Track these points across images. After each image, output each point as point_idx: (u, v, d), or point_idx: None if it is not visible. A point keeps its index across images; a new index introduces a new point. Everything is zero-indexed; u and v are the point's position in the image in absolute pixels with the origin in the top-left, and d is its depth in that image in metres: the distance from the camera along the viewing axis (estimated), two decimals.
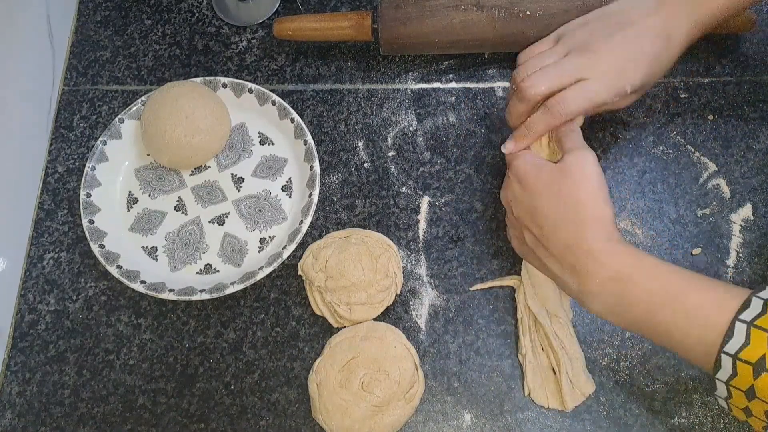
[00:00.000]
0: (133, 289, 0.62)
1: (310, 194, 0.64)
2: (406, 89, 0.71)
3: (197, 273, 0.64)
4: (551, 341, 0.58)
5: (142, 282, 0.61)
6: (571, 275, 0.52)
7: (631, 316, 0.49)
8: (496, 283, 0.62)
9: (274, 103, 0.67)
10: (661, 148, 0.67)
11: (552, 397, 0.58)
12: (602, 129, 0.68)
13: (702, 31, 0.57)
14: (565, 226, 0.52)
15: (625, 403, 0.59)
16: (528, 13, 0.65)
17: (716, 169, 0.66)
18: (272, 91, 0.69)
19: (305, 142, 0.66)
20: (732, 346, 0.43)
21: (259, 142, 0.69)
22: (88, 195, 0.65)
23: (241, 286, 0.61)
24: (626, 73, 0.55)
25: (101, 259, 0.62)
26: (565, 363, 0.57)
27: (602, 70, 0.55)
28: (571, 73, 0.55)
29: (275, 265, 0.61)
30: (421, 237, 0.65)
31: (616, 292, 0.49)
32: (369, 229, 0.64)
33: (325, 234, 0.64)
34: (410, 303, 0.62)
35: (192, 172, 0.68)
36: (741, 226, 0.64)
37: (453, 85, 0.71)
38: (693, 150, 0.67)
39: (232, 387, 0.61)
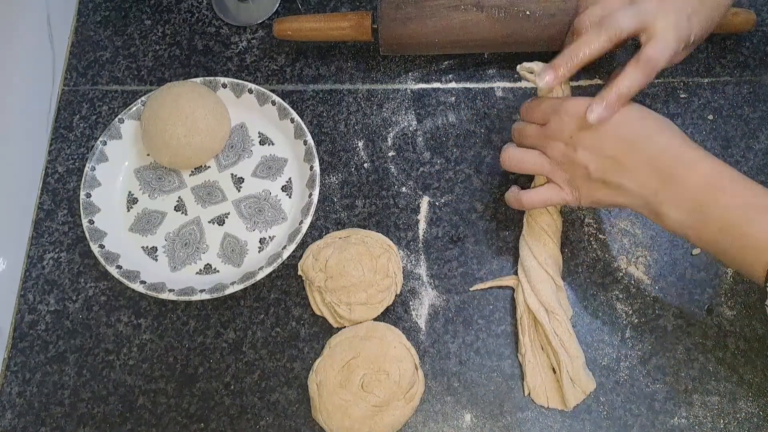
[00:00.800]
0: (133, 290, 0.62)
1: (310, 194, 0.64)
2: (405, 89, 0.71)
3: (197, 273, 0.64)
4: (550, 340, 0.58)
5: (142, 282, 0.61)
6: (652, 187, 0.51)
7: (712, 227, 0.49)
8: (496, 283, 0.62)
9: (274, 103, 0.68)
10: None
11: (552, 396, 0.58)
12: None
13: None
14: (649, 137, 0.52)
15: (625, 403, 0.59)
16: (528, 13, 0.65)
17: None
18: (272, 91, 0.69)
19: (305, 142, 0.66)
20: None
21: (259, 142, 0.69)
22: (88, 195, 0.65)
23: (241, 286, 0.61)
24: (689, 21, 0.54)
25: (101, 260, 0.62)
26: (564, 361, 0.57)
27: (668, 17, 0.53)
28: (630, 25, 0.54)
29: (275, 265, 0.61)
30: (420, 237, 0.65)
31: (702, 201, 0.49)
32: (369, 229, 0.65)
33: (325, 234, 0.64)
34: (410, 303, 0.63)
35: (192, 172, 0.68)
36: None
37: (453, 85, 0.71)
38: None
39: (232, 387, 0.61)
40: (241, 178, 0.67)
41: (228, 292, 0.60)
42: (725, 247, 0.49)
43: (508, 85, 0.71)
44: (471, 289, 0.62)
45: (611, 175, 0.53)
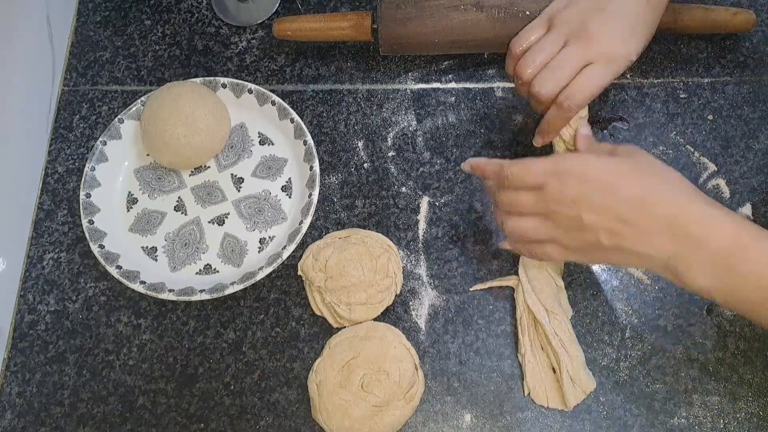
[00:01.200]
0: (133, 290, 0.61)
1: (310, 194, 0.64)
2: (405, 89, 0.71)
3: (197, 273, 0.64)
4: (550, 340, 0.58)
5: (142, 282, 0.61)
6: (672, 250, 0.47)
7: (744, 290, 0.45)
8: (496, 283, 0.62)
9: (273, 103, 0.68)
10: (661, 148, 0.67)
11: (552, 396, 0.58)
12: (602, 129, 0.68)
13: None
14: (662, 193, 0.47)
15: (625, 403, 0.59)
16: (528, 13, 0.65)
17: (716, 169, 0.66)
18: (272, 91, 0.69)
19: (305, 143, 0.66)
20: None
21: (259, 142, 0.69)
22: (88, 195, 0.65)
23: (240, 287, 0.61)
24: (627, 46, 0.55)
25: (101, 260, 0.62)
26: (564, 361, 0.57)
27: (603, 52, 0.55)
28: (575, 64, 0.55)
29: (275, 265, 0.61)
30: (420, 237, 0.65)
31: (729, 263, 0.45)
32: (369, 229, 0.65)
33: (325, 234, 0.64)
34: (410, 303, 0.63)
35: (192, 172, 0.68)
36: None
37: (453, 85, 0.71)
38: (692, 150, 0.67)
39: (232, 387, 0.61)
40: (241, 178, 0.67)
41: (228, 292, 0.60)
42: (758, 314, 0.46)
43: (508, 85, 0.71)
44: (471, 289, 0.62)
45: (625, 242, 0.48)
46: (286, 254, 0.62)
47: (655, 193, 0.48)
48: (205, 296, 0.60)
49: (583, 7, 0.56)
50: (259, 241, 0.65)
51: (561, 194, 0.49)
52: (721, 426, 0.58)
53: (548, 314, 0.58)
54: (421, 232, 0.65)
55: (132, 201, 0.67)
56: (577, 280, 0.63)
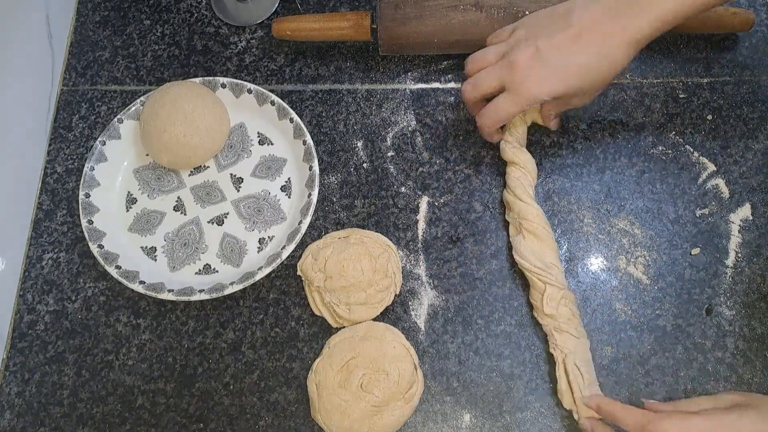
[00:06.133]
0: (132, 290, 0.61)
1: (309, 194, 0.64)
2: (405, 89, 0.71)
3: (196, 273, 0.64)
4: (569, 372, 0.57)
5: (141, 282, 0.61)
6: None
7: None
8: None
9: (273, 103, 0.67)
10: (660, 148, 0.67)
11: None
12: (601, 129, 0.68)
13: (658, 31, 0.54)
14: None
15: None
16: (527, 13, 0.65)
17: (715, 169, 0.66)
18: (271, 91, 0.69)
19: (304, 142, 0.66)
20: None
21: (258, 142, 0.69)
22: (87, 195, 0.65)
23: (240, 287, 0.61)
24: (539, 87, 0.56)
25: (100, 260, 0.62)
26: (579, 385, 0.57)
27: (513, 84, 0.57)
28: (493, 84, 0.58)
29: (274, 265, 0.61)
30: (420, 237, 0.65)
31: None
32: (368, 229, 0.64)
33: (325, 234, 0.64)
34: (409, 303, 0.62)
35: (191, 172, 0.68)
36: (740, 226, 0.64)
37: (452, 85, 0.71)
38: (692, 150, 0.67)
39: (232, 387, 0.61)
40: (241, 178, 0.67)
41: (227, 292, 0.60)
42: None
43: None
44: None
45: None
46: (285, 254, 0.62)
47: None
48: (204, 296, 0.60)
49: (531, 32, 0.57)
50: (259, 241, 0.65)
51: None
52: None
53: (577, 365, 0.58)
54: (420, 232, 0.65)
55: (131, 201, 0.67)
56: (577, 280, 0.63)
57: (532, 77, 0.56)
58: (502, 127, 0.65)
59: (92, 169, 0.66)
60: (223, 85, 0.68)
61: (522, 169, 0.63)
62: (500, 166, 0.66)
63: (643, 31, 0.53)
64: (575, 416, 0.57)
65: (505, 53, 0.58)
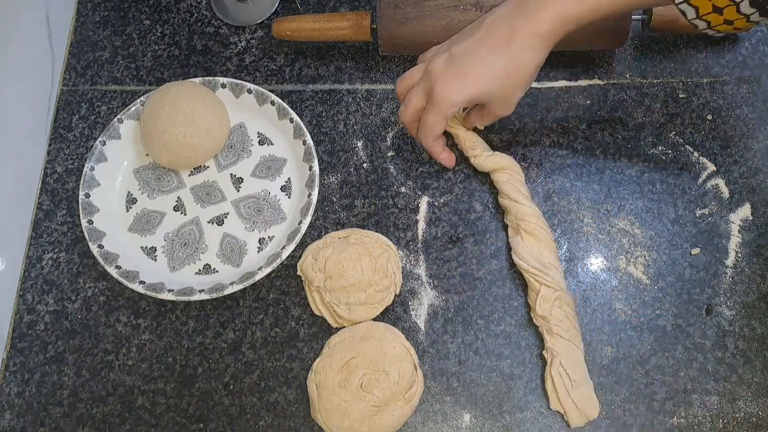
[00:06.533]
0: (132, 290, 0.61)
1: (309, 194, 0.64)
2: None
3: (196, 273, 0.64)
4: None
5: (141, 282, 0.61)
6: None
7: None
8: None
9: (273, 103, 0.67)
10: (660, 148, 0.67)
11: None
12: (601, 129, 0.68)
13: (562, 30, 0.54)
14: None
15: (624, 403, 0.59)
16: None
17: (715, 169, 0.66)
18: (271, 91, 0.69)
19: (304, 142, 0.66)
20: None
21: (258, 142, 0.69)
22: (87, 195, 0.65)
23: (240, 287, 0.61)
24: (450, 92, 0.56)
25: (100, 260, 0.62)
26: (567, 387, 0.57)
27: (435, 92, 0.57)
28: (419, 100, 0.59)
29: (274, 265, 0.61)
30: (420, 237, 0.65)
31: None
32: (368, 229, 0.64)
33: (325, 234, 0.64)
34: (409, 303, 0.63)
35: (191, 172, 0.68)
36: (740, 226, 0.64)
37: None
38: (692, 150, 0.67)
39: (231, 387, 0.61)
40: (240, 178, 0.67)
41: (227, 292, 0.60)
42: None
43: None
44: None
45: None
46: (285, 254, 0.62)
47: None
48: (204, 296, 0.60)
49: (445, 46, 0.59)
50: (259, 241, 0.65)
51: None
52: (721, 426, 0.58)
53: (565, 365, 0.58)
54: (420, 232, 0.65)
55: (131, 201, 0.67)
56: (577, 280, 0.63)
57: (446, 84, 0.56)
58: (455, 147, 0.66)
59: (92, 169, 0.66)
60: (223, 85, 0.68)
61: (506, 172, 0.63)
62: None
63: (545, 26, 0.53)
64: (565, 418, 0.57)
65: (423, 71, 0.59)
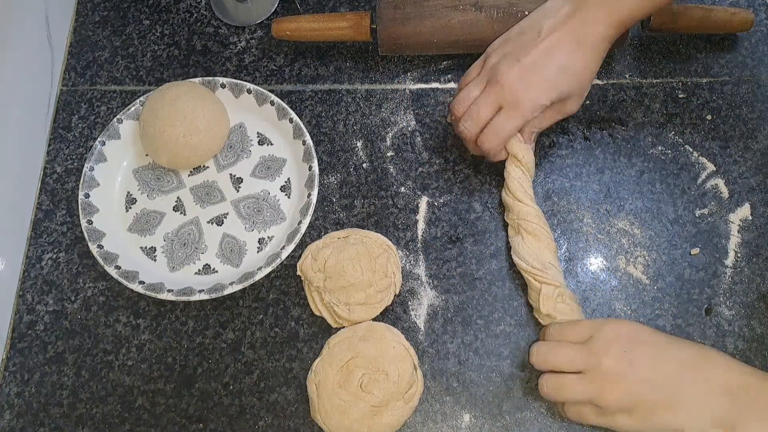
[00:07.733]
0: (132, 290, 0.61)
1: (309, 194, 0.64)
2: (404, 89, 0.71)
3: (196, 273, 0.64)
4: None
5: (141, 282, 0.61)
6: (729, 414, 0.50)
7: None
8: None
9: (272, 103, 0.67)
10: (660, 148, 0.67)
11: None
12: (601, 129, 0.68)
13: (619, 31, 0.59)
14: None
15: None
16: (526, 13, 0.65)
17: (714, 169, 0.66)
18: (271, 91, 0.69)
19: (304, 143, 0.66)
20: None
21: (258, 142, 0.69)
22: (87, 195, 0.65)
23: (239, 287, 0.61)
24: (534, 97, 0.58)
25: (100, 260, 0.62)
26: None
27: (509, 101, 0.58)
28: (486, 111, 0.59)
29: (274, 265, 0.61)
30: (419, 237, 0.65)
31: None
32: (368, 229, 0.64)
33: (324, 234, 0.64)
34: (409, 303, 0.63)
35: (191, 172, 0.68)
36: (739, 226, 0.64)
37: (452, 85, 0.71)
38: (691, 150, 0.67)
39: (231, 387, 0.61)
40: (240, 178, 0.67)
41: (227, 292, 0.60)
42: None
43: None
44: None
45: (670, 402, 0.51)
46: (285, 254, 0.62)
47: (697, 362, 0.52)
48: (204, 296, 0.60)
49: (506, 51, 0.60)
50: (258, 241, 0.65)
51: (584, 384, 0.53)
52: None
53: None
54: (420, 232, 0.65)
55: (131, 201, 0.67)
56: (577, 280, 0.63)
57: (528, 88, 0.58)
58: None
59: (92, 169, 0.66)
60: (223, 86, 0.68)
61: (522, 168, 0.63)
62: (499, 166, 0.66)
63: (610, 29, 0.58)
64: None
65: (487, 81, 0.60)
